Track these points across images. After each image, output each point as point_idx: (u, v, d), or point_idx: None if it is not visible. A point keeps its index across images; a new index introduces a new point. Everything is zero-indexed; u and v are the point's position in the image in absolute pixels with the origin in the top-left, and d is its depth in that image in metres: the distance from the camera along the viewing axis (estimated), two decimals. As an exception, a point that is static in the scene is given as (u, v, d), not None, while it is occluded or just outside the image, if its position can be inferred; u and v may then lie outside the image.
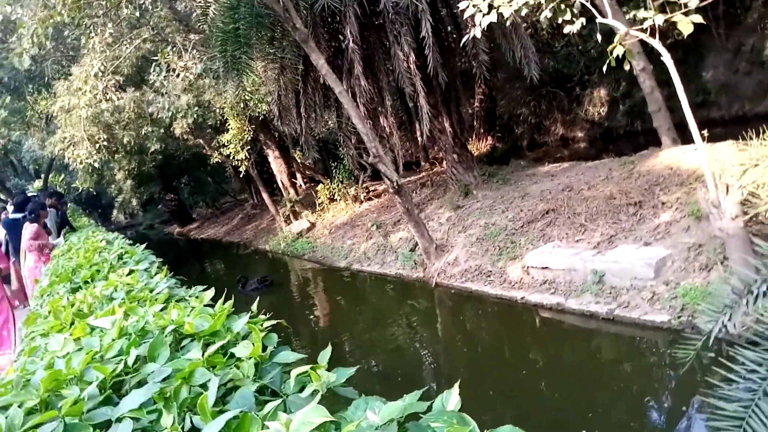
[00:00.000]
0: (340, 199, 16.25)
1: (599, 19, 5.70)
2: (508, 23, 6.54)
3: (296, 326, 9.63)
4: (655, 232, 7.11)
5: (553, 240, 8.30)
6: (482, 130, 18.79)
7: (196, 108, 13.76)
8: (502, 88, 20.04)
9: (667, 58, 5.14)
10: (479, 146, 18.52)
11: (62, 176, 26.31)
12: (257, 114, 14.25)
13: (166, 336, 2.22)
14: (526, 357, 6.44)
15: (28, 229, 8.24)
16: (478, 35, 6.15)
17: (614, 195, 8.28)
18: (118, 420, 1.67)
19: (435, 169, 16.79)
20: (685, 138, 9.22)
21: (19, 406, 1.89)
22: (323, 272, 13.05)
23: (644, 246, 6.95)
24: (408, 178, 16.97)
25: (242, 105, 13.98)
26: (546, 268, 7.67)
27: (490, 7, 5.90)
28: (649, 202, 7.73)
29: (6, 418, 1.80)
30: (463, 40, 7.24)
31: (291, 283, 13.44)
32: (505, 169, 13.10)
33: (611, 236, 7.55)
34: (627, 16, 6.99)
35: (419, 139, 18.59)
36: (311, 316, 10.41)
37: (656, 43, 5.16)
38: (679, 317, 5.81)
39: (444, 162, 13.29)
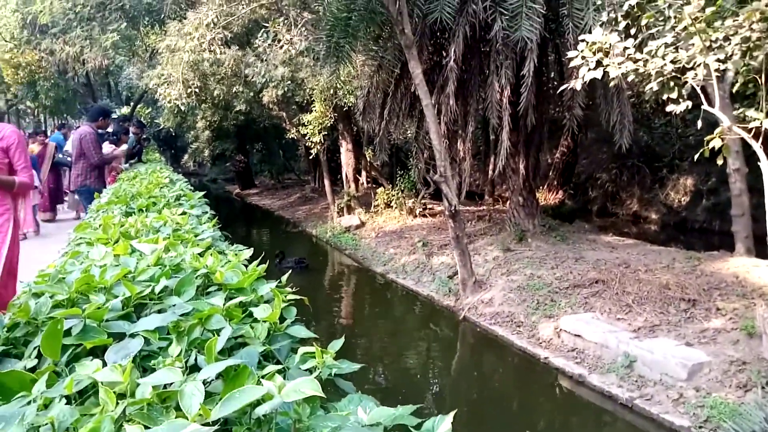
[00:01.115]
0: (395, 207, 16.34)
1: (705, 107, 5.52)
2: (611, 84, 6.43)
3: (317, 312, 9.79)
4: (700, 335, 6.80)
5: (595, 311, 8.06)
6: (556, 183, 18.51)
7: (289, 82, 14.19)
8: (587, 148, 19.67)
9: (765, 164, 4.91)
10: (548, 197, 18.23)
11: (149, 110, 27.60)
12: (343, 104, 14.58)
13: (196, 277, 2.33)
14: (532, 416, 6.29)
15: (109, 148, 8.71)
16: (578, 88, 6.10)
17: (670, 285, 7.97)
18: (132, 336, 1.76)
19: (497, 207, 16.62)
20: (760, 251, 8.77)
21: (51, 297, 2.03)
22: (359, 272, 13.21)
23: (685, 345, 6.65)
24: (467, 207, 16.86)
25: (332, 92, 14.32)
26: (579, 336, 7.46)
27: (599, 63, 5.82)
28: (703, 303, 7.41)
29: (36, 303, 1.93)
30: (563, 88, 7.18)
31: (325, 272, 13.66)
32: (567, 227, 12.83)
33: (654, 325, 7.27)
34: (735, 112, 6.71)
35: (490, 172, 18.54)
36: (334, 309, 10.54)
37: (757, 147, 4.95)
38: (700, 427, 5.52)
39: (508, 202, 13.14)
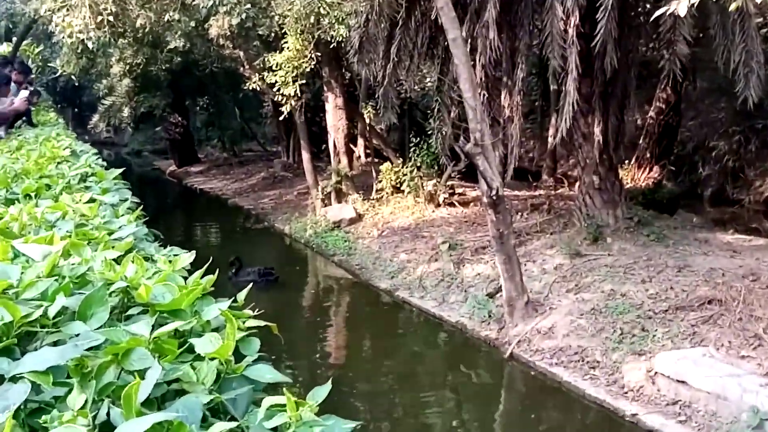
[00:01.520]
0: (408, 192, 16.43)
1: None
2: (732, 6, 6.37)
3: (292, 346, 9.88)
4: None
5: (707, 345, 8.06)
6: (648, 155, 18.38)
7: (248, 6, 14.13)
8: (696, 103, 19.55)
9: None
10: (637, 176, 18.15)
11: (40, 48, 27.49)
12: (329, 38, 14.35)
13: (110, 294, 2.33)
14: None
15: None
16: (682, 13, 6.01)
17: (821, 307, 7.96)
18: (13, 379, 1.76)
19: (559, 191, 16.63)
20: None
21: None
22: (354, 287, 13.34)
23: None
24: (515, 192, 16.89)
25: (313, 19, 14.14)
26: (683, 382, 7.47)
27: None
28: None
29: None
30: (659, 12, 7.10)
31: (304, 288, 13.80)
32: (667, 220, 12.83)
33: (797, 367, 7.27)
34: None
35: (550, 140, 18.54)
36: (318, 342, 10.65)
37: None
38: None
39: (577, 184, 13.14)
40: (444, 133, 12.40)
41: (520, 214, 14.33)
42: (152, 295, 2.33)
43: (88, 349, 1.92)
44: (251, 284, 3.19)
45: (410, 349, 10.48)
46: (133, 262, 2.64)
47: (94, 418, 1.65)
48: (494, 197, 9.12)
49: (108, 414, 1.67)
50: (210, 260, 3.15)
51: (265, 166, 27.74)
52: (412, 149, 17.06)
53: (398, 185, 16.95)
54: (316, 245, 15.79)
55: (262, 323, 2.53)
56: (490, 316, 10.20)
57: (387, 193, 17.04)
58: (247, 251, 15.35)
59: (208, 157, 33.05)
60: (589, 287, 10.17)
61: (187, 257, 2.93)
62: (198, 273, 2.71)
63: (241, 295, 2.82)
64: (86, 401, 1.69)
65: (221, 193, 24.78)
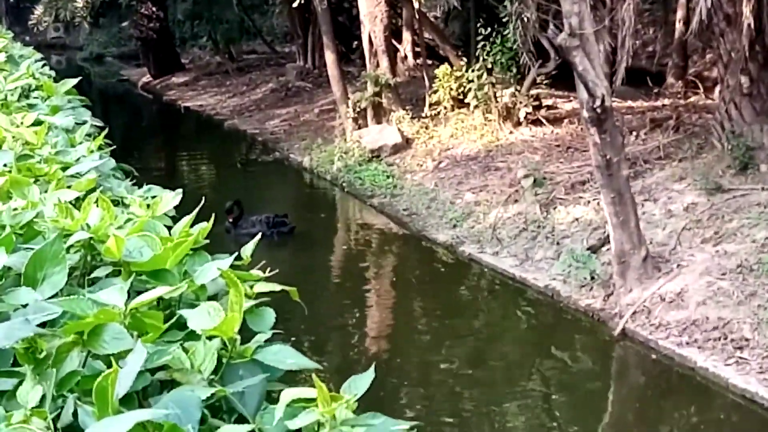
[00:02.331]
0: (476, 107, 16.34)
1: None
2: None
3: (318, 319, 9.92)
4: None
5: None
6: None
7: None
8: None
9: None
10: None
11: None
12: None
13: (68, 250, 2.34)
14: None
15: None
16: None
17: None
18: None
19: (691, 99, 16.34)
20: None
21: None
22: (401, 242, 13.46)
23: None
24: (629, 102, 16.63)
25: None
26: None
27: None
28: None
29: None
30: None
31: (331, 242, 13.97)
32: None
33: None
34: None
35: (678, 26, 18.16)
36: (354, 317, 10.73)
37: None
38: None
39: (717, 89, 12.89)
40: (526, 19, 12.22)
41: (635, 133, 14.11)
42: (126, 250, 2.35)
43: (41, 326, 1.93)
44: (256, 238, 3.12)
45: (481, 325, 10.50)
46: (97, 205, 2.65)
47: (56, 419, 1.66)
48: (598, 110, 9.00)
49: (75, 415, 1.67)
50: (202, 202, 3.15)
51: (273, 73, 27.63)
52: (480, 45, 16.87)
53: (461, 97, 16.81)
54: (347, 183, 15.82)
55: (278, 287, 2.54)
56: (592, 278, 10.13)
57: (445, 108, 16.92)
58: (252, 193, 15.41)
59: (195, 63, 33.18)
60: (734, 236, 10.02)
61: (170, 198, 2.96)
62: (187, 219, 2.72)
63: (247, 250, 2.83)
64: (43, 396, 1.71)
65: (214, 112, 24.85)
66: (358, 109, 17.54)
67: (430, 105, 17.23)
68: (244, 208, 13.30)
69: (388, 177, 15.42)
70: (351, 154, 16.62)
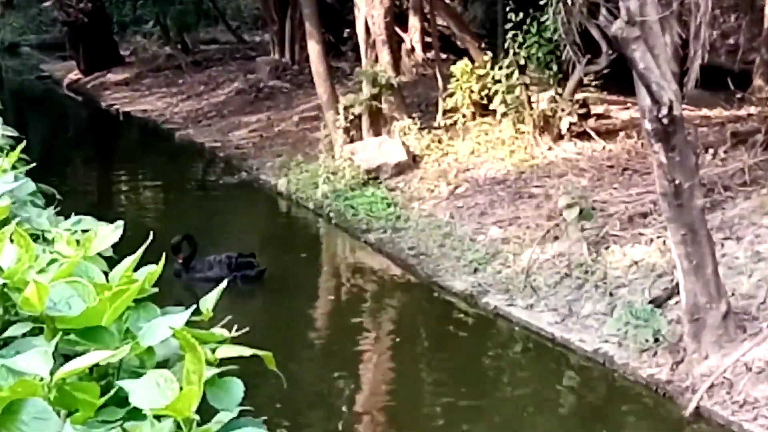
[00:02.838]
0: (504, 114, 16.33)
1: None
2: None
3: (299, 393, 9.82)
4: None
5: None
6: None
7: None
8: None
9: None
10: None
11: None
12: None
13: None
14: None
15: None
16: None
17: None
18: None
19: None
20: None
21: None
22: (406, 290, 13.44)
23: None
24: (702, 111, 16.63)
25: None
26: None
27: None
28: None
29: None
30: None
31: (314, 290, 13.92)
32: None
33: None
34: None
35: (766, 12, 18.18)
36: (345, 391, 10.65)
37: None
38: None
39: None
40: (570, 2, 12.28)
41: (712, 151, 14.08)
42: (50, 300, 2.34)
43: None
44: (222, 285, 3.08)
45: (510, 401, 10.44)
46: (12, 242, 2.65)
47: None
48: (664, 121, 9.00)
49: None
50: (149, 238, 3.14)
51: (240, 69, 27.74)
52: (509, 35, 16.91)
53: (485, 101, 16.89)
54: (336, 213, 15.81)
55: (248, 351, 2.54)
56: (656, 340, 10.10)
57: (464, 116, 16.98)
58: (211, 225, 15.44)
59: (139, 56, 33.26)
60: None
61: (108, 233, 2.95)
62: (129, 261, 2.72)
63: (207, 302, 2.83)
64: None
65: (163, 119, 24.97)
66: (350, 117, 17.52)
67: (445, 112, 17.27)
68: (200, 245, 13.22)
69: (388, 205, 15.42)
70: (340, 175, 16.61)
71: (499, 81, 16.50)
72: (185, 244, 13.13)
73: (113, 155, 23.27)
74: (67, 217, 3.71)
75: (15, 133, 5.23)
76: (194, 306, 2.62)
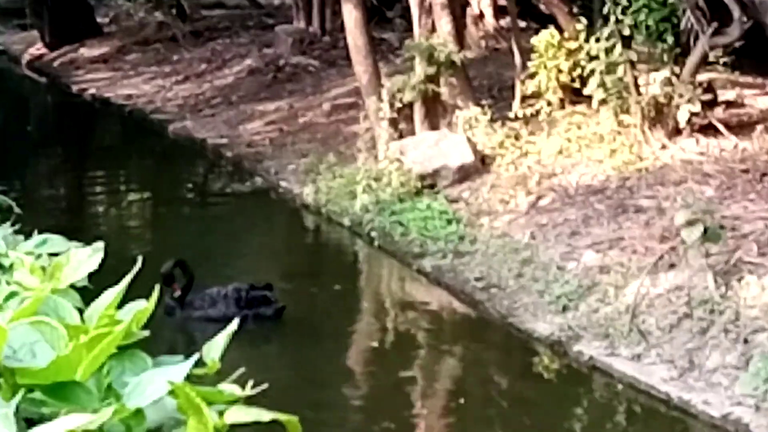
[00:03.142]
0: (602, 102, 16.21)
1: None
2: None
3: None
4: None
5: None
6: None
7: None
8: None
9: None
10: None
11: None
12: None
13: None
14: None
15: None
16: None
17: None
18: None
19: None
20: None
21: None
22: (473, 333, 13.44)
23: None
24: None
25: None
26: None
27: None
28: None
29: None
30: None
31: (351, 332, 13.98)
32: None
33: None
34: None
35: None
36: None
37: None
38: None
39: None
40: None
41: None
42: (8, 348, 2.36)
43: None
44: (224, 323, 3.10)
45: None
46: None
47: None
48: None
49: None
50: (138, 263, 3.14)
51: (254, 42, 27.86)
52: (609, 6, 16.92)
53: (577, 84, 16.94)
54: (379, 232, 15.81)
55: (267, 415, 2.55)
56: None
57: (550, 104, 16.97)
58: (215, 247, 15.48)
59: (121, 25, 33.52)
60: None
61: (84, 259, 2.96)
62: (112, 295, 2.73)
63: (213, 349, 2.84)
64: None
65: (153, 108, 25.01)
66: (398, 105, 17.54)
67: (524, 98, 17.27)
68: (200, 273, 13.21)
69: (449, 222, 15.41)
70: (385, 181, 16.62)
71: (596, 57, 16.49)
72: (178, 272, 13.11)
73: (87, 155, 23.19)
74: (28, 237, 3.68)
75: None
76: (196, 355, 2.60)
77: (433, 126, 17.40)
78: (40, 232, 3.79)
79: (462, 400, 12.27)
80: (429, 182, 16.34)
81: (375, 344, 13.77)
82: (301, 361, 12.67)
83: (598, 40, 16.50)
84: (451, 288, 14.10)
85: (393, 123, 17.48)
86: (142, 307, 2.70)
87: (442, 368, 13.02)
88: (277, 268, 15.42)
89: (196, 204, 19.32)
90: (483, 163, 16.54)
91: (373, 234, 15.88)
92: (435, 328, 13.76)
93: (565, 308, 12.78)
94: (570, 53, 16.86)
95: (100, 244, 3.07)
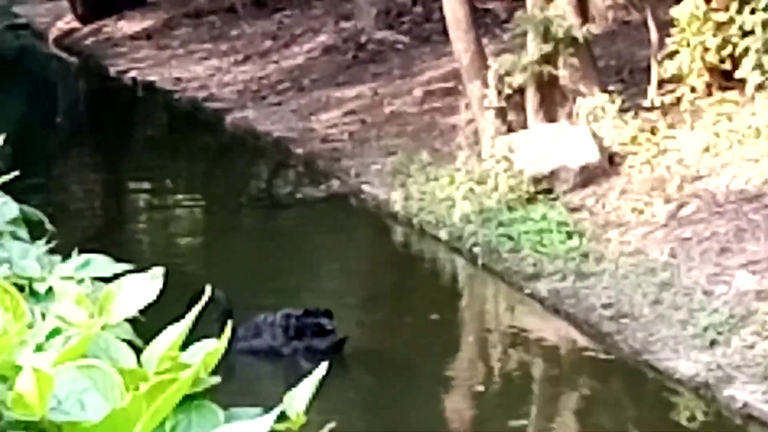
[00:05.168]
0: (759, 88, 16.02)
1: None
2: None
3: None
4: None
5: None
6: None
7: None
8: None
9: None
10: None
11: None
12: None
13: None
14: None
15: None
16: None
17: None
18: None
19: None
20: None
21: None
22: (601, 373, 13.33)
23: None
24: None
25: None
26: None
27: None
28: None
29: None
30: None
31: (451, 372, 13.77)
32: None
33: None
34: None
35: None
36: None
37: None
38: None
39: None
40: None
41: None
42: (54, 399, 2.39)
43: None
44: (319, 372, 3.11)
45: None
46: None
47: None
48: None
49: None
50: (207, 292, 3.17)
51: (330, 13, 27.95)
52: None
53: (727, 65, 16.78)
54: (484, 246, 15.75)
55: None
56: None
57: (693, 89, 16.83)
58: (282, 266, 15.52)
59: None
60: None
61: (141, 286, 3.00)
62: (176, 332, 2.76)
63: (297, 397, 2.87)
64: None
65: (206, 95, 25.14)
66: (507, 91, 17.55)
67: (661, 83, 17.21)
68: (266, 299, 13.21)
69: (569, 236, 15.41)
70: (491, 185, 16.59)
71: (751, 32, 16.44)
72: (218, 299, 12.90)
73: (127, 153, 23.23)
74: (66, 257, 3.65)
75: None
76: (278, 408, 2.62)
77: (550, 117, 17.37)
78: (80, 252, 3.78)
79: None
80: (544, 186, 16.28)
81: (480, 388, 13.58)
82: (392, 409, 12.59)
83: (753, 11, 16.44)
84: (572, 317, 14.05)
85: (500, 113, 17.48)
86: (212, 347, 2.71)
87: (561, 417, 12.96)
88: (359, 293, 15.36)
89: (259, 212, 19.17)
90: (611, 162, 16.47)
91: (476, 250, 15.85)
92: (553, 367, 13.69)
93: (713, 343, 12.71)
94: (719, 27, 16.76)
95: (158, 270, 3.07)
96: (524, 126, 17.37)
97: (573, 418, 12.89)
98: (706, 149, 16.14)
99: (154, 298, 3.03)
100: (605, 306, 13.81)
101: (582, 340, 13.54)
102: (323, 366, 2.99)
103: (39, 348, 2.63)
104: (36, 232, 4.31)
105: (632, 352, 13.01)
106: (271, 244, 17.56)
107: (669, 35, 17.24)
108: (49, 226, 4.64)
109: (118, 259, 3.50)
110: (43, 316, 2.91)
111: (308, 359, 12.76)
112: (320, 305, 13.41)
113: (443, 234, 16.46)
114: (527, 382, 13.58)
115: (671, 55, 17.12)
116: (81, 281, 3.25)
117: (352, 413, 11.58)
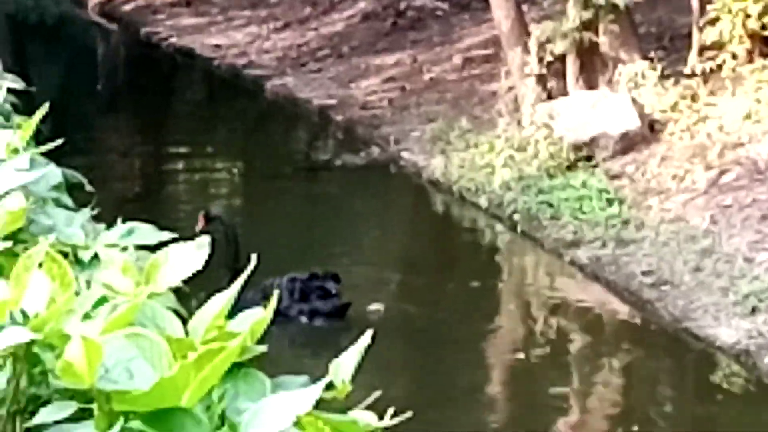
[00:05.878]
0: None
1: None
2: None
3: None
4: None
5: None
6: None
7: None
8: None
9: None
10: None
11: None
12: None
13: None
14: None
15: None
16: None
17: None
18: None
19: None
20: None
21: None
22: (642, 341, 13.37)
23: None
24: None
25: None
26: None
27: None
28: None
29: None
30: None
31: (490, 340, 13.95)
32: None
33: None
34: None
35: None
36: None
37: None
38: None
39: None
40: None
41: None
42: (102, 367, 2.38)
43: None
44: (366, 338, 3.10)
45: None
46: (40, 266, 2.70)
47: None
48: None
49: None
50: (252, 261, 3.15)
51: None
52: None
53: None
54: (524, 214, 15.84)
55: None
56: None
57: (734, 56, 16.84)
58: (322, 233, 15.54)
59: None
60: None
61: (186, 255, 2.99)
62: (222, 301, 2.75)
63: (343, 365, 2.86)
64: None
65: (246, 62, 25.27)
66: (548, 59, 17.48)
67: (702, 50, 17.13)
68: (303, 265, 13.21)
69: (610, 203, 15.43)
70: (531, 153, 16.65)
71: (797, -3, 16.38)
72: (238, 265, 12.87)
73: (167, 120, 23.25)
74: (110, 225, 3.63)
75: (20, 85, 5.27)
76: (327, 378, 2.60)
77: (590, 84, 17.35)
78: (124, 220, 3.75)
79: (632, 426, 12.25)
80: (585, 154, 16.28)
81: (521, 355, 13.69)
82: (432, 376, 12.67)
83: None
84: (612, 284, 14.06)
85: (541, 80, 17.45)
86: (259, 316, 2.70)
87: (602, 384, 12.96)
88: (399, 260, 15.34)
89: (299, 179, 19.19)
90: (651, 130, 16.44)
91: (516, 217, 15.87)
92: (593, 335, 13.68)
93: (754, 310, 12.67)
94: (762, -8, 16.69)
95: (205, 239, 3.06)
96: (564, 93, 17.34)
97: (613, 385, 12.90)
98: (747, 116, 16.10)
99: (201, 267, 3.01)
100: (645, 273, 13.81)
101: (622, 308, 13.55)
102: (368, 334, 2.97)
103: (86, 316, 2.62)
104: (77, 195, 4.28)
105: (672, 319, 13.00)
106: (310, 210, 17.57)
107: (710, 2, 17.17)
108: (89, 187, 4.59)
109: (159, 225, 3.48)
110: (88, 284, 2.90)
111: (312, 322, 13.22)
112: (359, 272, 13.44)
113: (483, 201, 16.46)
114: (566, 350, 13.58)
115: (712, 21, 17.07)
116: (125, 249, 3.24)
117: (394, 380, 11.58)
